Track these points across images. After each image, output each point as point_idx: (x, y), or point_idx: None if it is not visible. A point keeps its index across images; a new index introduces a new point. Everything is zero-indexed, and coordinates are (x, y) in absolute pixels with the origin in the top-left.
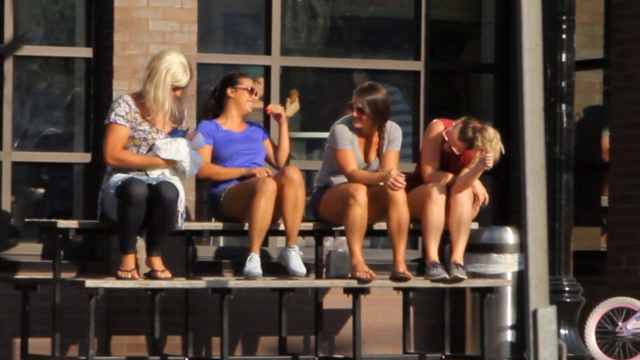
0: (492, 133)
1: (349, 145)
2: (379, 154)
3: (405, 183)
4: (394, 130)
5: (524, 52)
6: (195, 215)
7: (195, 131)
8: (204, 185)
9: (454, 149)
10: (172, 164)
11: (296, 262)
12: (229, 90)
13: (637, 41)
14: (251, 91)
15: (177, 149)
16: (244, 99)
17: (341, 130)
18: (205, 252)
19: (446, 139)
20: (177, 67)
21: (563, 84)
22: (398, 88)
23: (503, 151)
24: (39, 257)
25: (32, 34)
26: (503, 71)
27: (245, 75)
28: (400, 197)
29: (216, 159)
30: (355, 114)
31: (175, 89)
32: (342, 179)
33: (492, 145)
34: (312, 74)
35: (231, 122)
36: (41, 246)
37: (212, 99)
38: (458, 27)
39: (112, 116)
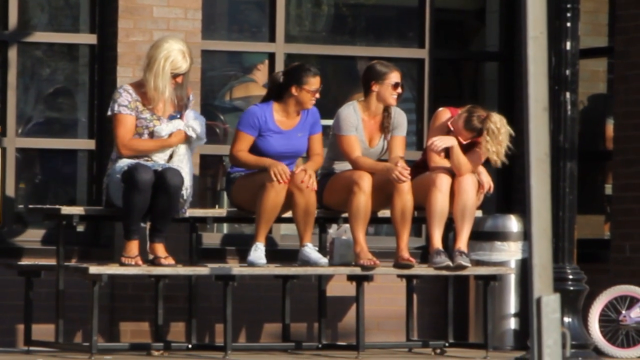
0: (497, 120)
1: (354, 131)
2: (386, 137)
3: (409, 177)
4: (399, 115)
5: (528, 40)
6: (199, 202)
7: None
8: (208, 172)
9: (460, 139)
10: (182, 138)
11: (315, 255)
12: (293, 89)
13: None
14: (316, 91)
15: (176, 125)
16: (307, 99)
17: (346, 115)
18: (210, 239)
19: (452, 128)
20: (176, 54)
21: (567, 72)
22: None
23: (512, 134)
24: (43, 243)
25: (36, 21)
26: (507, 59)
27: (314, 74)
28: (404, 185)
29: (252, 149)
30: (400, 90)
31: (175, 76)
32: (346, 165)
33: (500, 133)
34: (316, 62)
35: (285, 117)
36: (45, 232)
37: (274, 84)
38: (462, 15)
39: (116, 107)
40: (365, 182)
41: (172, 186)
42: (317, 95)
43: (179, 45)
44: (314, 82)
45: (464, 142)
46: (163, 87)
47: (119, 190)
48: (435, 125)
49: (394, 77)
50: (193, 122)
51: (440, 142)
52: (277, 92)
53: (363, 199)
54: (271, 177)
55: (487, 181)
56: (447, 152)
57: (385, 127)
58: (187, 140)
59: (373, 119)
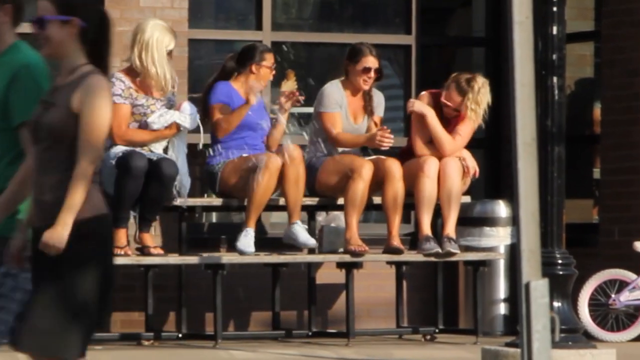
0: (481, 82)
1: (338, 108)
2: (369, 117)
3: (392, 138)
4: (376, 95)
5: (514, 25)
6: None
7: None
8: (197, 161)
9: (451, 105)
10: (175, 130)
11: (304, 235)
12: (253, 67)
13: (628, 13)
14: (272, 66)
15: (170, 115)
16: (267, 74)
17: (330, 92)
18: (200, 227)
19: (444, 101)
20: (164, 32)
21: (554, 56)
22: (389, 62)
23: (490, 102)
24: None
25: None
26: (494, 44)
27: (269, 50)
28: (397, 171)
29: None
30: (372, 75)
31: (168, 53)
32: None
33: (480, 93)
34: (303, 49)
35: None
36: None
37: (231, 61)
38: (449, 1)
39: None
40: (367, 170)
41: (166, 176)
42: (274, 72)
43: (160, 22)
44: (269, 58)
45: (455, 108)
46: (163, 72)
47: (112, 176)
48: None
49: (366, 61)
50: (185, 116)
51: (419, 104)
52: (234, 70)
53: (362, 186)
54: (266, 160)
55: (473, 166)
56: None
57: (367, 108)
58: (179, 130)
59: (356, 97)
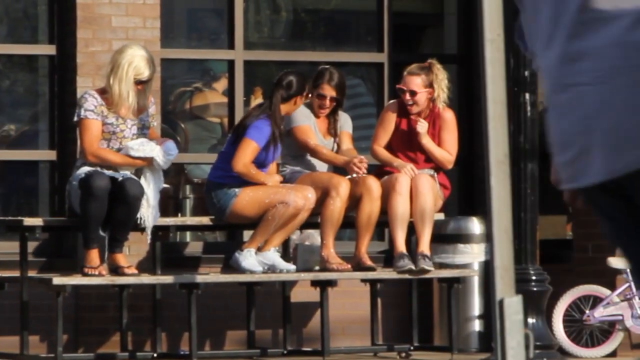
0: (439, 66)
1: (308, 122)
2: (334, 139)
3: (365, 169)
4: (341, 115)
5: (485, 42)
6: (162, 211)
7: (166, 139)
8: (171, 181)
9: (415, 88)
10: (149, 162)
11: (280, 261)
12: (301, 97)
13: None
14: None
15: (152, 148)
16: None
17: (300, 108)
18: (174, 247)
19: (404, 88)
20: (139, 61)
21: (526, 73)
22: (362, 80)
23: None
24: (6, 255)
25: None
26: (466, 61)
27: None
28: (376, 190)
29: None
30: (327, 103)
31: (138, 82)
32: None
33: (442, 78)
34: (275, 68)
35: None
36: (8, 244)
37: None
38: (420, 19)
39: (82, 112)
40: (344, 188)
41: (130, 196)
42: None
43: (143, 52)
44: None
45: (418, 91)
46: (126, 93)
47: (78, 197)
48: (382, 115)
49: (322, 88)
50: (165, 155)
51: (422, 127)
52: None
53: (339, 205)
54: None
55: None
56: (406, 142)
57: (330, 129)
58: (152, 163)
59: (320, 119)
